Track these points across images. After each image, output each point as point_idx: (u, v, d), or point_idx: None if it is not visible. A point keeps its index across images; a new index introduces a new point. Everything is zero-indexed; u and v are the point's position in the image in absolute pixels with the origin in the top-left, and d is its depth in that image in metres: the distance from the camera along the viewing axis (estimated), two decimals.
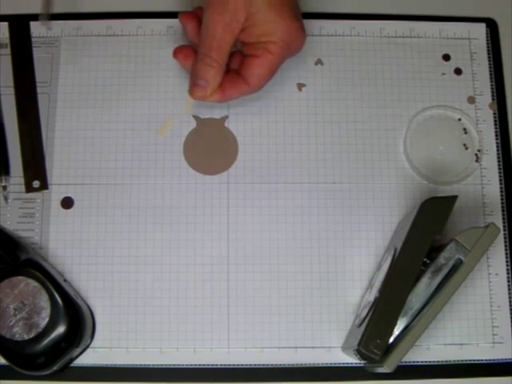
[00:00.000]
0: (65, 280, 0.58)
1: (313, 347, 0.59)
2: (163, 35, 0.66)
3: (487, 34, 0.67)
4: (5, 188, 0.61)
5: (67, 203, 0.61)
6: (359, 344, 0.52)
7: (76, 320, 0.55)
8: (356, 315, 0.59)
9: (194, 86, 0.59)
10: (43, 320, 0.54)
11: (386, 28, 0.66)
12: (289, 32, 0.58)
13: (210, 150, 0.63)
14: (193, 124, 0.64)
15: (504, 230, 0.62)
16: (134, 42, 0.65)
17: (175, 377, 0.58)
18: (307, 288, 0.60)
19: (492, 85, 0.65)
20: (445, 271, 0.54)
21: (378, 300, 0.53)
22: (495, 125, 0.64)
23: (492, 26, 0.67)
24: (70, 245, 0.60)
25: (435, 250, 0.55)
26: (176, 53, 0.60)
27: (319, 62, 0.65)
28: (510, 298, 0.60)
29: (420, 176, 0.63)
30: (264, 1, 0.57)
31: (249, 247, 0.61)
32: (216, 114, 0.64)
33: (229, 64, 0.60)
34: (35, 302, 0.54)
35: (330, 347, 0.59)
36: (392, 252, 0.56)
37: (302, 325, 0.59)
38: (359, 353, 0.52)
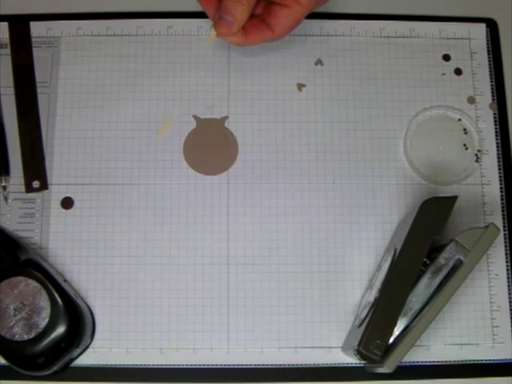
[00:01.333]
0: (65, 280, 0.58)
1: (313, 347, 0.59)
2: (163, 35, 0.66)
3: (487, 34, 0.67)
4: (5, 188, 0.61)
5: (67, 203, 0.61)
6: (359, 344, 0.52)
7: (76, 320, 0.55)
8: (356, 315, 0.59)
9: (220, 21, 0.56)
10: (43, 320, 0.54)
11: (386, 28, 0.66)
12: None
13: (210, 150, 0.63)
14: (193, 124, 0.64)
15: (504, 231, 0.62)
16: (133, 42, 0.65)
17: (175, 377, 0.58)
18: (307, 288, 0.60)
19: (492, 85, 0.65)
20: (445, 271, 0.54)
21: (378, 300, 0.53)
22: (495, 125, 0.64)
23: (492, 26, 0.67)
24: (70, 245, 0.60)
25: (435, 251, 0.55)
26: None
27: (319, 62, 0.65)
28: (510, 298, 0.60)
29: (420, 176, 0.63)
30: None
31: (249, 247, 0.61)
32: (216, 113, 0.64)
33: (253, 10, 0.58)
34: (35, 303, 0.54)
35: (329, 347, 0.59)
36: (392, 252, 0.56)
37: (301, 325, 0.59)
38: (359, 353, 0.52)
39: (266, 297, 0.60)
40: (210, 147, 0.63)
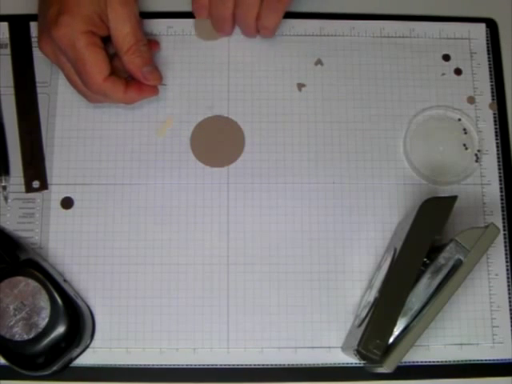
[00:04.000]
0: (65, 280, 0.58)
1: (313, 347, 0.59)
2: (163, 35, 0.65)
3: (487, 34, 0.67)
4: (5, 188, 0.61)
5: (67, 203, 0.61)
6: (359, 344, 0.52)
7: (76, 320, 0.55)
8: (356, 315, 0.59)
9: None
10: (43, 320, 0.54)
11: (385, 28, 0.66)
12: None
13: (218, 140, 0.63)
14: (192, 124, 0.63)
15: (504, 230, 0.62)
16: None
17: (175, 377, 0.58)
18: (307, 288, 0.60)
19: (492, 85, 0.65)
20: (445, 271, 0.54)
21: (378, 300, 0.53)
22: (495, 125, 0.64)
23: (492, 26, 0.67)
24: (70, 245, 0.60)
25: (435, 251, 0.55)
26: None
27: (319, 62, 0.65)
28: (509, 298, 0.60)
29: (420, 176, 0.63)
30: None
31: (249, 247, 0.61)
32: (216, 113, 0.64)
33: None
34: (35, 302, 0.54)
35: (329, 347, 0.59)
36: (392, 252, 0.56)
37: (301, 325, 0.59)
38: (359, 353, 0.52)
39: (266, 297, 0.60)
40: (218, 137, 0.63)
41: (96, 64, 0.57)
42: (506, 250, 0.61)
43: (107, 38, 0.59)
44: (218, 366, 0.58)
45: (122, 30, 0.57)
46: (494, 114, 0.65)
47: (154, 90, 0.61)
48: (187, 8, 0.66)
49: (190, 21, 0.66)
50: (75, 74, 0.58)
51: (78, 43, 0.56)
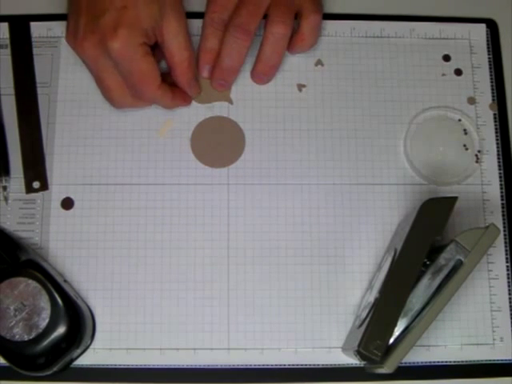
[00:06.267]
0: (65, 281, 0.58)
1: (313, 348, 0.59)
2: None
3: (487, 34, 0.67)
4: (5, 188, 0.61)
5: (67, 204, 0.61)
6: (359, 345, 0.52)
7: (76, 321, 0.55)
8: (356, 316, 0.59)
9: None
10: (43, 321, 0.54)
11: (386, 28, 0.66)
12: None
13: (218, 140, 0.63)
14: (192, 124, 0.64)
15: (504, 231, 0.62)
16: None
17: (175, 377, 0.58)
18: (307, 288, 0.60)
19: (492, 85, 0.65)
20: (445, 272, 0.54)
21: (378, 301, 0.53)
22: (495, 125, 0.64)
23: (492, 26, 0.67)
24: (70, 245, 0.60)
25: (435, 251, 0.55)
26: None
27: (319, 62, 0.65)
28: (510, 298, 0.60)
29: (420, 177, 0.63)
30: None
31: (249, 247, 0.61)
32: (216, 114, 0.64)
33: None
34: (35, 303, 0.54)
35: (330, 348, 0.59)
36: (392, 253, 0.56)
37: (301, 325, 0.59)
38: (359, 354, 0.52)
39: (266, 297, 0.60)
40: (218, 137, 0.63)
41: (151, 74, 0.58)
42: (506, 251, 0.61)
43: None
44: (219, 367, 0.58)
45: (179, 44, 0.59)
46: (495, 114, 0.65)
47: (190, 100, 0.63)
48: (187, 8, 0.66)
49: (190, 21, 0.65)
50: (115, 81, 0.59)
51: (136, 55, 0.57)
